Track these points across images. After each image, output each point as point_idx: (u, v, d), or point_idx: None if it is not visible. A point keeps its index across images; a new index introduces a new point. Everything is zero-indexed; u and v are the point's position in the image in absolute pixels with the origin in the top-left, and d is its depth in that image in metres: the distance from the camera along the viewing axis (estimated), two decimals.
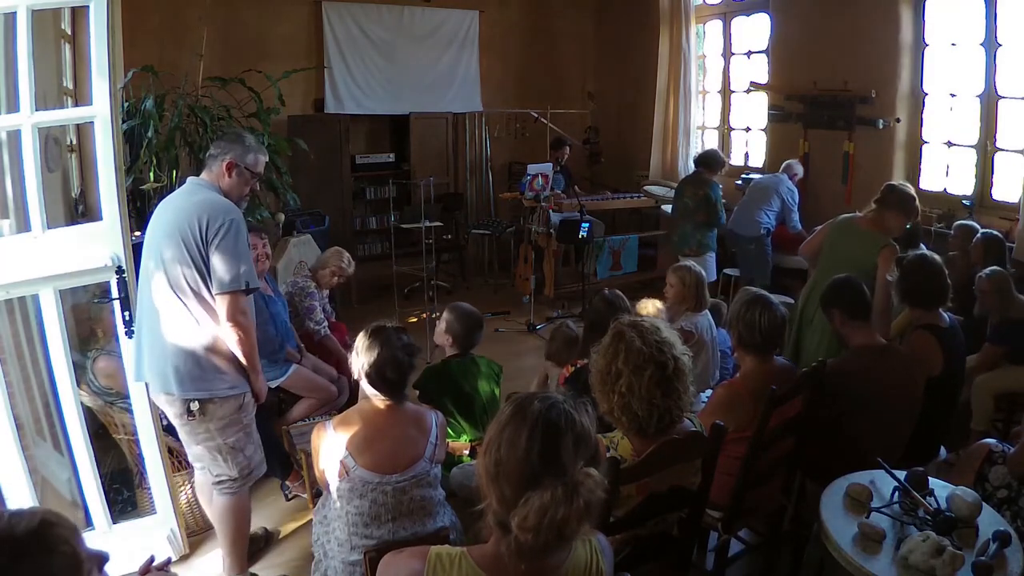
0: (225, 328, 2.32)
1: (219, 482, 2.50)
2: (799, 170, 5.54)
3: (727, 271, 5.83)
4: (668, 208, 6.27)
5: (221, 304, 2.30)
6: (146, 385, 2.49)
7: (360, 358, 2.07)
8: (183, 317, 2.32)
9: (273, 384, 3.53)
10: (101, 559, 1.26)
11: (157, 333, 2.35)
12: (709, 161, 5.15)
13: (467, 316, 3.03)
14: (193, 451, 2.50)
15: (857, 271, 2.90)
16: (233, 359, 2.38)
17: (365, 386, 2.08)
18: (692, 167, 7.01)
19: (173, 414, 2.42)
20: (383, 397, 2.07)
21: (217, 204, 2.34)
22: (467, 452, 2.91)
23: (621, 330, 1.87)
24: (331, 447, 2.02)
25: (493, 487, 1.22)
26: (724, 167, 5.32)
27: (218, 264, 2.28)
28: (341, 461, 1.99)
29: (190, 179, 2.47)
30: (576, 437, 1.22)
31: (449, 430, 2.94)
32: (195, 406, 2.34)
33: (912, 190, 3.36)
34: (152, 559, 1.77)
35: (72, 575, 1.17)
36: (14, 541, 1.12)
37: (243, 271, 2.30)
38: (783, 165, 5.55)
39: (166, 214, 2.38)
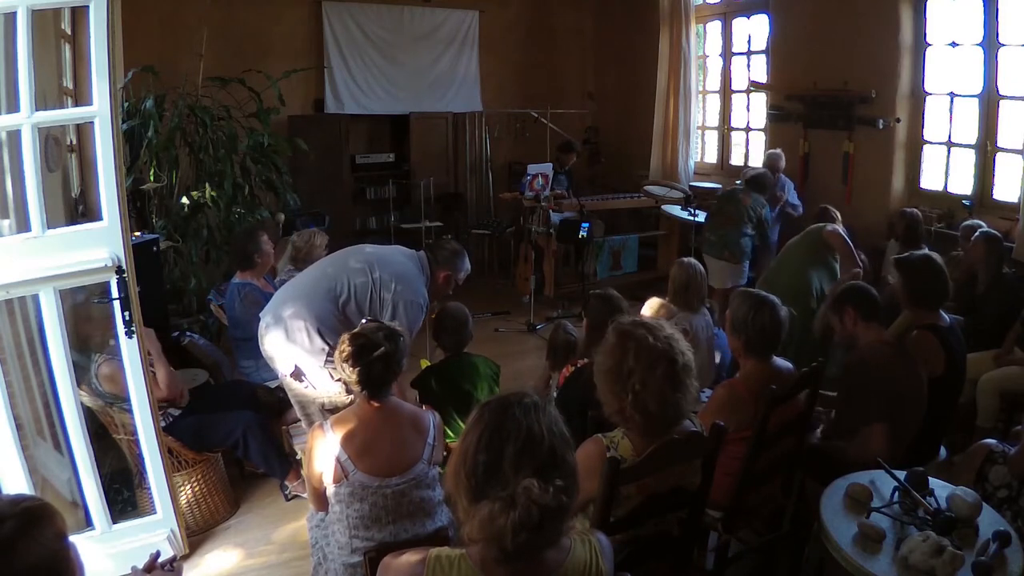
0: None
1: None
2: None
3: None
4: (669, 208, 6.27)
5: None
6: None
7: (341, 371, 2.09)
8: (333, 310, 2.79)
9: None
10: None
11: (305, 297, 2.82)
12: (759, 184, 5.13)
13: (451, 318, 3.09)
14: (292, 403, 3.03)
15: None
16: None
17: (353, 388, 2.11)
18: (691, 167, 7.08)
19: (281, 365, 2.89)
20: (369, 399, 2.09)
21: (415, 288, 2.86)
22: None
23: (627, 329, 1.87)
24: (328, 447, 2.02)
25: (457, 499, 1.26)
26: (774, 187, 5.41)
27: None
28: (340, 463, 1.98)
29: (422, 252, 3.02)
30: (520, 448, 1.22)
31: (449, 432, 2.94)
32: (292, 369, 2.84)
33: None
34: (158, 554, 1.77)
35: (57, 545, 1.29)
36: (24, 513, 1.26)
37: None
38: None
39: (383, 255, 2.91)
